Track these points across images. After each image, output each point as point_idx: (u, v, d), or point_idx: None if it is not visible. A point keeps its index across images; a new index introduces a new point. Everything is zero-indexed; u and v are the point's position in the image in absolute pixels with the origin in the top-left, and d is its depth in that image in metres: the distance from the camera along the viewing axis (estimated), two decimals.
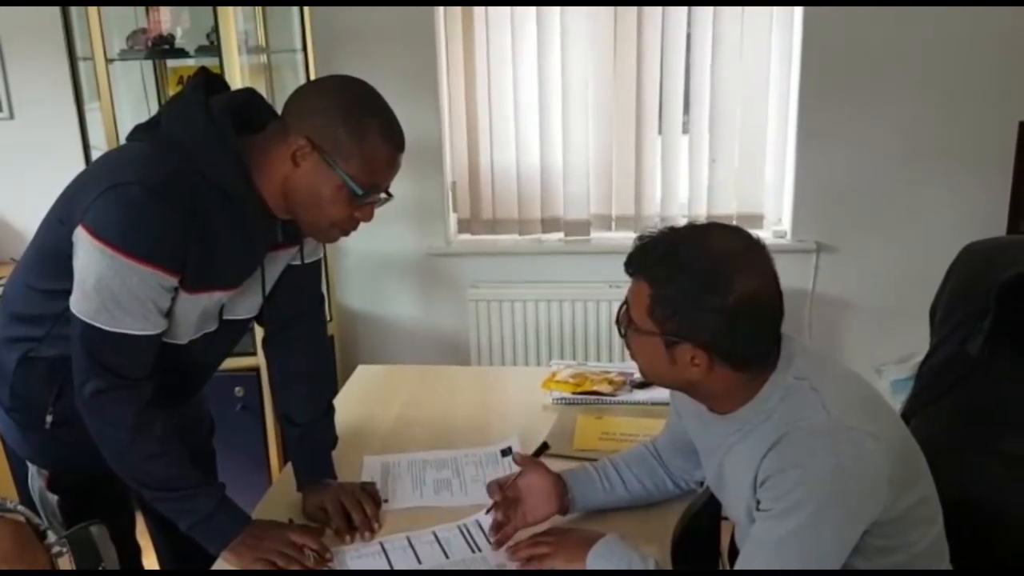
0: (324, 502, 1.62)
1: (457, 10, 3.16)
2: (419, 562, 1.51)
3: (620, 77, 3.16)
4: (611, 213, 3.31)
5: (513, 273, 3.34)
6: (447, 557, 1.52)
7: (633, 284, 1.32)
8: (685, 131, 3.21)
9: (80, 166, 1.89)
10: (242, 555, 1.49)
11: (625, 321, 1.34)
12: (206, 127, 1.41)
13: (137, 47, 2.90)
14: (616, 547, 1.42)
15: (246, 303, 1.61)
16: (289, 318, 1.72)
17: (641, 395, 2.06)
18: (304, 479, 1.70)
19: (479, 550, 1.54)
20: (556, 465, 1.63)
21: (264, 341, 1.77)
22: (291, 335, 1.74)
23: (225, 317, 1.59)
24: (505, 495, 1.54)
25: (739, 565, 1.30)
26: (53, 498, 1.62)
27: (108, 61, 2.76)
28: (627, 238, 1.37)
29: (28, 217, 2.37)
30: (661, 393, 1.98)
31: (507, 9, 3.13)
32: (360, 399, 2.15)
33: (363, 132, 1.40)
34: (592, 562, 1.40)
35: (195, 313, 1.51)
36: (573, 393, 2.07)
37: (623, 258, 1.33)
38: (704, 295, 1.23)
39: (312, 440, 1.73)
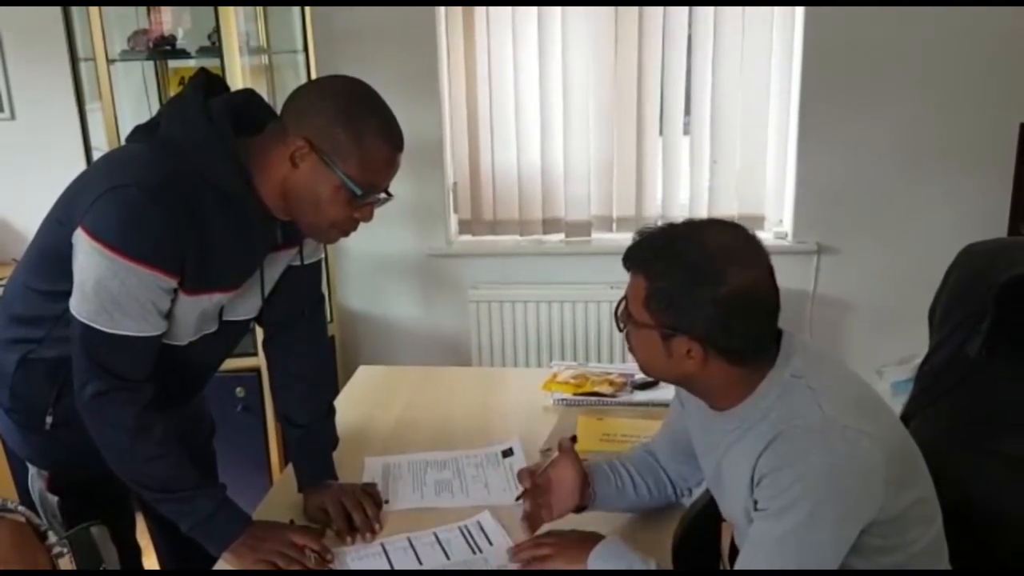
0: (325, 503, 1.62)
1: (458, 10, 3.16)
2: (420, 563, 1.51)
3: (621, 78, 3.16)
4: (612, 214, 3.31)
5: (514, 274, 3.34)
6: (448, 558, 1.52)
7: (631, 278, 1.33)
8: (686, 132, 3.21)
9: (81, 167, 1.89)
10: (243, 556, 1.49)
11: (624, 315, 1.34)
12: (205, 128, 1.41)
13: (138, 48, 2.90)
14: (617, 549, 1.42)
15: (246, 304, 1.61)
16: (289, 319, 1.72)
17: (642, 396, 2.06)
18: (305, 480, 1.70)
19: (480, 551, 1.54)
20: None
21: (264, 342, 1.77)
22: (292, 336, 1.74)
23: (225, 318, 1.59)
24: (536, 483, 1.53)
25: (739, 565, 1.30)
26: (53, 499, 1.62)
27: (109, 62, 2.75)
28: (628, 239, 1.37)
29: (28, 218, 2.37)
30: (662, 394, 1.98)
31: (508, 9, 3.14)
32: (361, 400, 2.15)
33: (361, 132, 1.40)
34: (593, 563, 1.40)
35: (194, 314, 1.51)
36: (574, 394, 2.07)
37: None
38: (698, 287, 1.24)
39: (313, 441, 1.73)
